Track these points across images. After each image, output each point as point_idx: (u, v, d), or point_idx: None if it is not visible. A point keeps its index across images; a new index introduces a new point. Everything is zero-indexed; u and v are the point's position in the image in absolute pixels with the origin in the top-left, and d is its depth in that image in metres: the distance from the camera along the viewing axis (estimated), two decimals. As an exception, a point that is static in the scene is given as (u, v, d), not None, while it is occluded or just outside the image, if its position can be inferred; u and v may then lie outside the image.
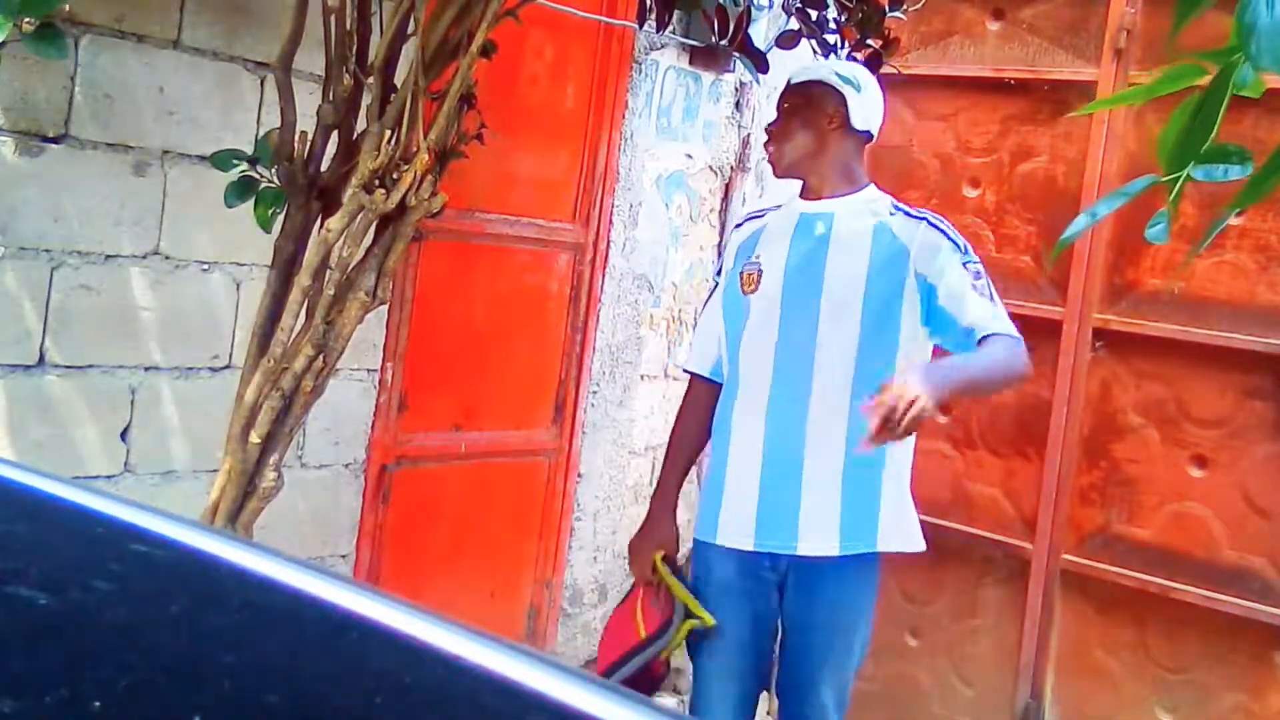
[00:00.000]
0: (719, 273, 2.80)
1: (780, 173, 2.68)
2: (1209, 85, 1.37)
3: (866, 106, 2.62)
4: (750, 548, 2.57)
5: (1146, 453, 3.59)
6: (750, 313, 2.61)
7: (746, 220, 2.83)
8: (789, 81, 2.68)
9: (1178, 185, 1.36)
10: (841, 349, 2.52)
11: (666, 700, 3.96)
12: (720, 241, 2.88)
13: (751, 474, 2.57)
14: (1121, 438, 3.65)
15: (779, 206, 2.77)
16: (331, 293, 2.12)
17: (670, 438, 2.83)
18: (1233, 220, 3.47)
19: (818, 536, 2.53)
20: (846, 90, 2.59)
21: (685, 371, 2.84)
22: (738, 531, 2.58)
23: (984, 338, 2.44)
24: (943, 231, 2.57)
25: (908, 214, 2.61)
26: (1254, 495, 3.43)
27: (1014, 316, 2.60)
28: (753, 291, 2.61)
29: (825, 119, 2.59)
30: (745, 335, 2.61)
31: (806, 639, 2.59)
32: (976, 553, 3.86)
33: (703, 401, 2.73)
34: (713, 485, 2.65)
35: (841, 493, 2.52)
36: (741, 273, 2.66)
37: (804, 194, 2.67)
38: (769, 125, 2.69)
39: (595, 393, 3.78)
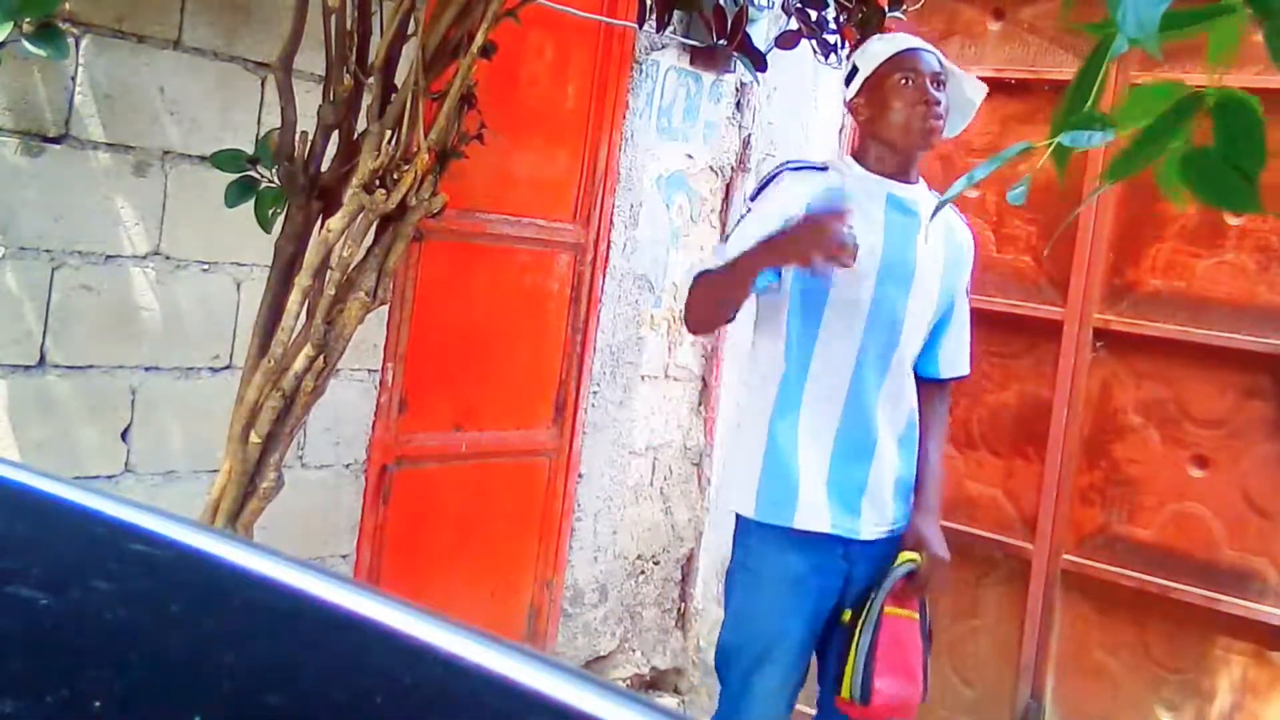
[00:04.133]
0: (754, 197, 2.57)
1: (932, 144, 2.57)
2: (1087, 57, 1.40)
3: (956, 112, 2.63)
4: (827, 529, 2.50)
5: (1146, 453, 3.59)
6: (834, 287, 2.45)
7: (803, 169, 2.59)
8: (937, 57, 2.55)
9: (1048, 151, 1.39)
10: (915, 338, 2.57)
11: (666, 700, 3.96)
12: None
13: (823, 456, 2.50)
14: (1122, 438, 3.65)
15: (826, 167, 2.61)
16: (332, 293, 2.13)
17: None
18: (1233, 220, 3.47)
19: (877, 519, 2.55)
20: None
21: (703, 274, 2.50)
22: (812, 515, 2.50)
23: (942, 383, 2.70)
24: (974, 248, 2.71)
25: (956, 214, 2.68)
26: (1254, 495, 3.43)
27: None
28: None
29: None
30: (828, 313, 2.48)
31: None
32: (976, 553, 3.85)
33: None
34: (779, 468, 2.51)
35: (896, 476, 2.57)
36: None
37: (889, 172, 2.55)
38: (934, 95, 2.50)
39: (596, 393, 3.78)
